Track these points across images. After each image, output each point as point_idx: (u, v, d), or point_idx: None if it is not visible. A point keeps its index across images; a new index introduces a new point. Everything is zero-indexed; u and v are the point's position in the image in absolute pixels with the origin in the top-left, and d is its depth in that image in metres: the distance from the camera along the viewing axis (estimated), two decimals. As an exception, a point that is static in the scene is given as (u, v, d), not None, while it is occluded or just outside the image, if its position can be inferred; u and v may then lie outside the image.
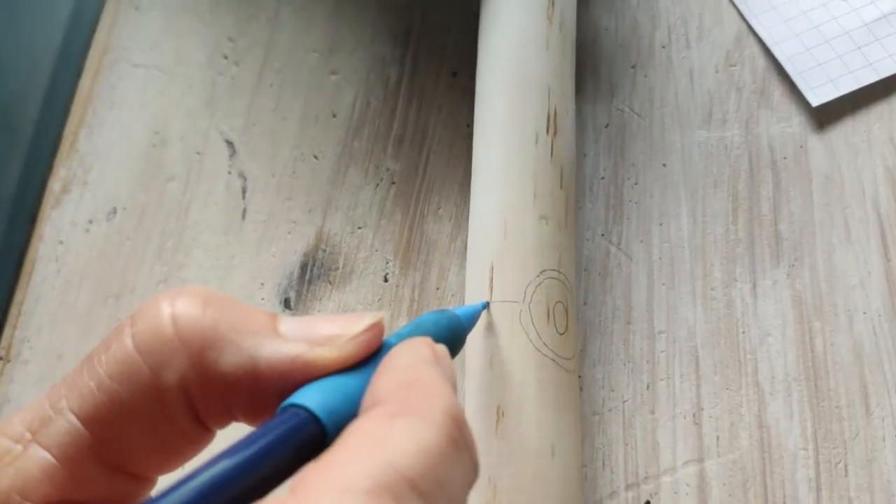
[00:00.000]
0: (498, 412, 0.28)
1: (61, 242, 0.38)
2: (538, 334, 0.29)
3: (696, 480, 0.32)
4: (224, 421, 0.19)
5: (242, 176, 0.39)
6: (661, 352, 0.35)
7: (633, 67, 0.41)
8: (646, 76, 0.40)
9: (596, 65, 0.41)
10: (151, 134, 0.40)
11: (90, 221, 0.38)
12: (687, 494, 0.32)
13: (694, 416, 0.33)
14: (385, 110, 0.40)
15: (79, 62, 0.43)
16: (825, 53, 0.40)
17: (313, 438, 0.17)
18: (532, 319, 0.29)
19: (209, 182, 0.39)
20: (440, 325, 0.23)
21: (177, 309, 0.18)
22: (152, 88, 0.41)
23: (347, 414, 0.18)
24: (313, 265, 0.37)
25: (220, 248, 0.37)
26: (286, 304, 0.36)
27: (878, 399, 0.33)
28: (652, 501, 0.32)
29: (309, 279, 0.37)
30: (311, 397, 0.18)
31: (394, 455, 0.15)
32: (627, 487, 0.32)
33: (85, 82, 0.42)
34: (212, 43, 0.42)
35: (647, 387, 0.34)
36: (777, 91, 0.40)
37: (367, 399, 0.18)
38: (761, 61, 0.40)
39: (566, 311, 0.30)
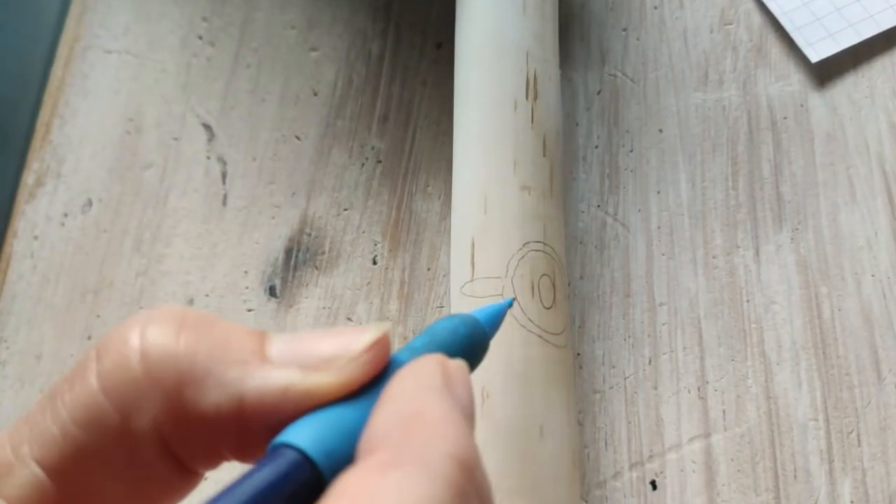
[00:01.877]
0: (482, 393, 0.27)
1: (36, 238, 0.37)
2: (522, 310, 0.28)
3: (703, 457, 0.31)
4: (211, 462, 0.17)
5: (222, 160, 0.38)
6: (663, 324, 0.33)
7: (624, 31, 0.39)
8: (638, 39, 0.39)
9: (586, 29, 0.39)
10: (126, 121, 0.39)
11: (65, 215, 0.37)
12: (694, 472, 0.31)
13: (699, 389, 0.32)
14: (368, 87, 0.39)
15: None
16: (823, 7, 0.38)
17: (309, 483, 0.15)
18: (515, 295, 0.28)
19: (187, 168, 0.37)
20: (458, 333, 0.19)
21: (147, 340, 0.16)
22: (125, 74, 0.40)
23: (347, 452, 0.16)
24: (298, 250, 0.36)
25: (200, 237, 0.36)
26: (271, 291, 0.35)
27: (889, 364, 0.32)
28: (657, 480, 0.31)
29: (294, 265, 0.35)
30: (305, 434, 0.15)
31: None
32: (632, 467, 0.31)
33: (56, 71, 0.40)
34: (185, 24, 0.41)
35: (649, 361, 0.33)
36: (775, 48, 0.38)
37: (363, 441, 0.15)
38: (757, 18, 0.39)
39: (553, 285, 0.29)
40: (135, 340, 0.16)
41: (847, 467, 0.31)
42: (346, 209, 0.36)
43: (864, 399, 0.32)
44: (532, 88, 0.31)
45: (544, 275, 0.29)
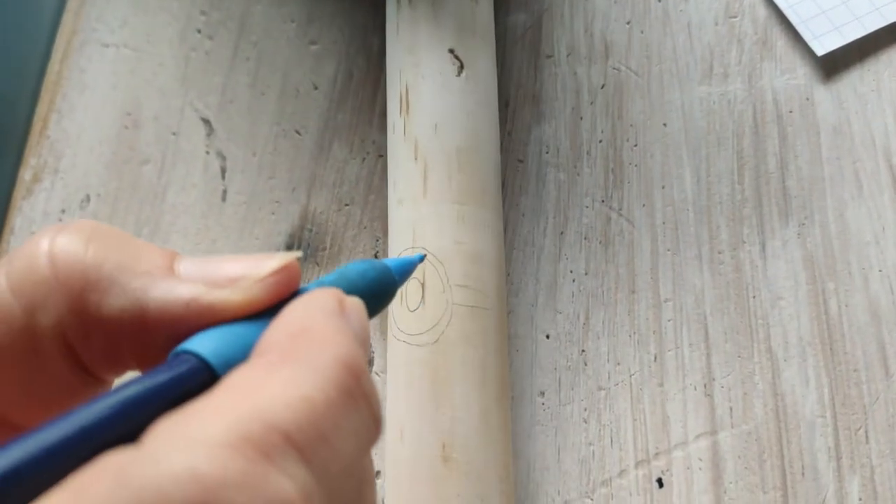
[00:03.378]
0: None
1: (34, 234, 0.36)
2: (395, 320, 0.29)
3: (710, 454, 0.31)
4: (115, 369, 0.17)
5: (221, 155, 0.37)
6: (668, 321, 0.33)
7: (628, 23, 0.39)
8: (642, 32, 0.38)
9: (589, 23, 0.39)
10: (123, 115, 0.38)
11: (63, 211, 0.36)
12: (700, 469, 0.30)
13: (705, 386, 0.32)
14: (369, 80, 0.38)
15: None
16: (829, -1, 0.38)
17: (207, 388, 0.15)
18: (392, 307, 0.30)
19: (186, 163, 0.37)
20: (367, 277, 0.20)
21: (56, 246, 0.16)
22: (123, 68, 0.39)
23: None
24: (299, 246, 0.35)
25: (199, 233, 0.36)
26: (272, 288, 0.35)
27: (897, 360, 0.32)
28: (664, 478, 0.30)
29: (295, 261, 0.35)
30: (205, 344, 0.16)
31: (266, 405, 0.13)
32: (637, 465, 0.31)
33: (54, 66, 0.40)
34: (183, 17, 0.40)
35: (655, 358, 0.32)
36: (780, 41, 0.38)
37: (254, 350, 0.16)
38: (762, 11, 0.38)
39: (422, 284, 0.29)
40: (45, 245, 0.16)
41: (855, 465, 0.30)
42: (347, 204, 0.36)
43: (872, 396, 0.31)
44: (405, 102, 0.32)
45: (412, 278, 0.29)
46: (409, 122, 0.32)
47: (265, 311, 0.17)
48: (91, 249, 0.16)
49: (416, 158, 0.31)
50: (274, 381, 0.14)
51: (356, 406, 0.15)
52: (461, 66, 0.32)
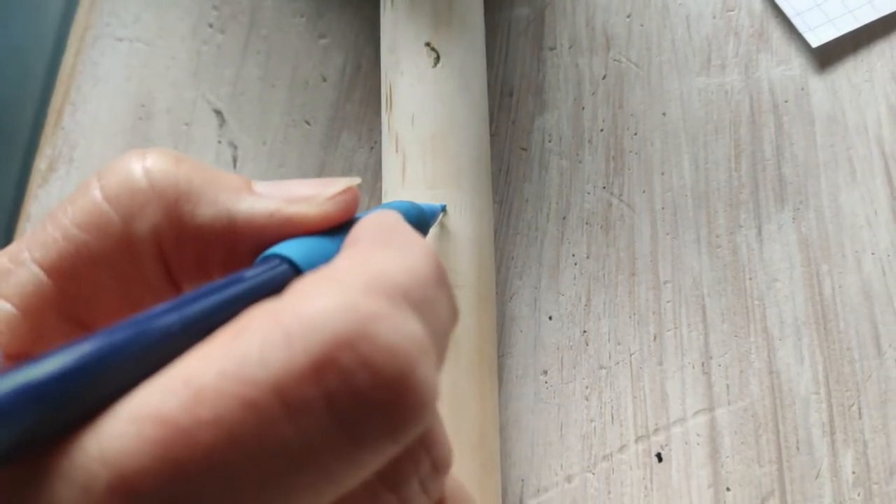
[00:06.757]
0: None
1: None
2: None
3: (707, 430, 0.32)
4: (199, 278, 0.18)
5: (233, 145, 0.38)
6: (668, 302, 0.34)
7: (628, 17, 0.40)
8: (642, 25, 0.39)
9: (590, 16, 0.40)
10: (137, 107, 0.39)
11: (80, 197, 0.37)
12: (698, 444, 0.31)
13: (703, 365, 0.33)
14: (376, 71, 0.39)
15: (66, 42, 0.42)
16: (823, -7, 0.39)
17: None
18: None
19: (199, 153, 0.38)
20: (409, 214, 0.23)
21: (148, 163, 0.18)
22: (136, 61, 0.40)
23: None
24: (309, 232, 0.36)
25: (213, 219, 0.37)
26: (283, 271, 0.36)
27: (889, 339, 0.33)
28: (663, 453, 0.31)
29: (305, 246, 0.36)
30: (292, 249, 0.17)
31: (384, 268, 0.15)
32: (637, 440, 0.32)
33: (68, 59, 0.41)
34: (195, 12, 0.41)
35: (654, 338, 0.33)
36: (776, 34, 0.39)
37: (347, 243, 0.17)
38: (758, 4, 0.39)
39: None
40: (138, 163, 0.17)
41: (848, 439, 0.31)
42: (355, 192, 0.37)
43: (865, 373, 0.32)
44: (389, 100, 0.33)
45: None
46: (391, 119, 0.33)
47: (333, 230, 0.18)
48: (181, 167, 0.18)
49: (396, 151, 0.32)
50: (382, 255, 0.15)
51: (444, 288, 0.16)
52: (437, 57, 0.33)
